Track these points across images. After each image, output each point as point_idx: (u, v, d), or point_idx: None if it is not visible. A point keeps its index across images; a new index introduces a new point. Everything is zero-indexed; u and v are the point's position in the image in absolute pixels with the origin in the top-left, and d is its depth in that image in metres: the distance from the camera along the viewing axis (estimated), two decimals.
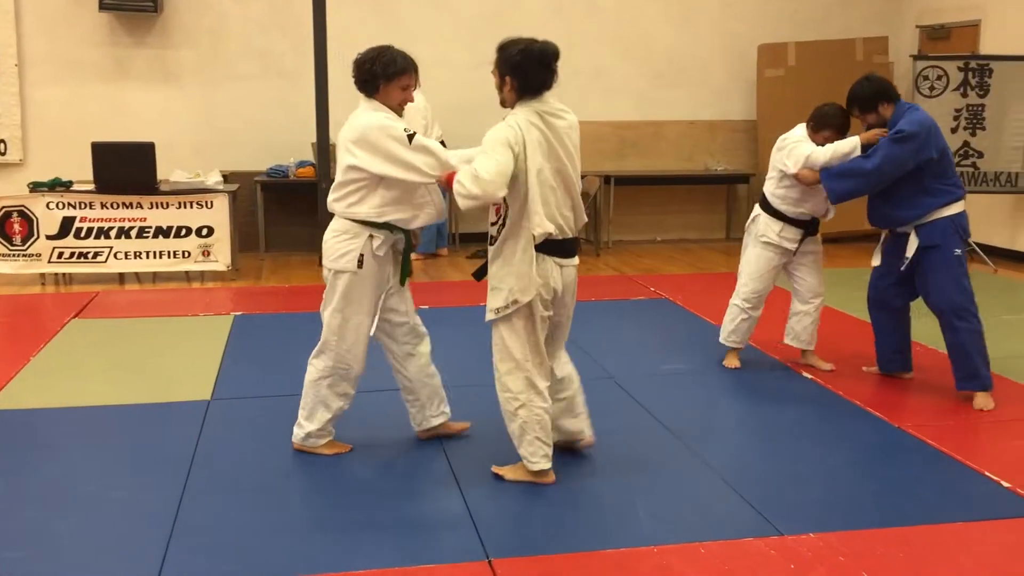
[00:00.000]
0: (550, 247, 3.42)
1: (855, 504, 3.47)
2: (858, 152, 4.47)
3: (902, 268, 4.52)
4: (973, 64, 8.28)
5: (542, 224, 3.35)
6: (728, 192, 9.72)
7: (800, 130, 4.75)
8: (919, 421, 4.27)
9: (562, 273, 3.49)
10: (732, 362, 5.06)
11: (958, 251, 4.46)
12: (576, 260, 3.56)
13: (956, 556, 3.07)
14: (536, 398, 3.50)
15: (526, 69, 3.38)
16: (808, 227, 4.82)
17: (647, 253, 8.95)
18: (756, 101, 9.45)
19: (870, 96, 4.49)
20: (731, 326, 5.02)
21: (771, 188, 4.81)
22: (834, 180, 4.50)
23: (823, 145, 4.58)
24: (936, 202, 4.42)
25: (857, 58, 9.15)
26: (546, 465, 3.55)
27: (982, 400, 4.45)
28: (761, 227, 4.83)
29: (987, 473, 3.69)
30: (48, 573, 2.90)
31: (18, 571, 2.90)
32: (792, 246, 4.78)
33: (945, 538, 3.20)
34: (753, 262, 4.88)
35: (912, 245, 4.46)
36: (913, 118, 4.38)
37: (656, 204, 9.66)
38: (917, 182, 4.40)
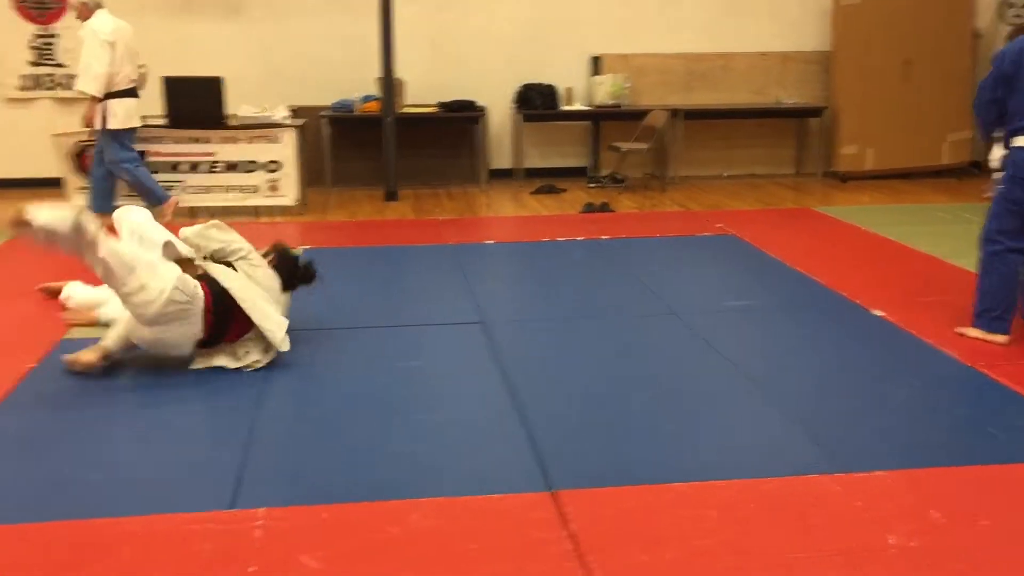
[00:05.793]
0: None
1: (924, 442, 3.40)
2: None
3: None
4: None
5: None
6: (798, 126, 9.46)
7: None
8: (991, 360, 4.15)
9: None
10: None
11: None
12: None
13: None
14: None
15: None
16: None
17: (714, 188, 8.79)
18: (831, 31, 9.14)
19: None
20: None
21: None
22: None
23: None
24: None
25: None
26: None
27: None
28: None
29: None
30: (125, 496, 2.99)
31: (96, 494, 3.00)
32: None
33: (1018, 478, 3.13)
34: None
35: None
36: None
37: (723, 139, 9.45)
38: None
